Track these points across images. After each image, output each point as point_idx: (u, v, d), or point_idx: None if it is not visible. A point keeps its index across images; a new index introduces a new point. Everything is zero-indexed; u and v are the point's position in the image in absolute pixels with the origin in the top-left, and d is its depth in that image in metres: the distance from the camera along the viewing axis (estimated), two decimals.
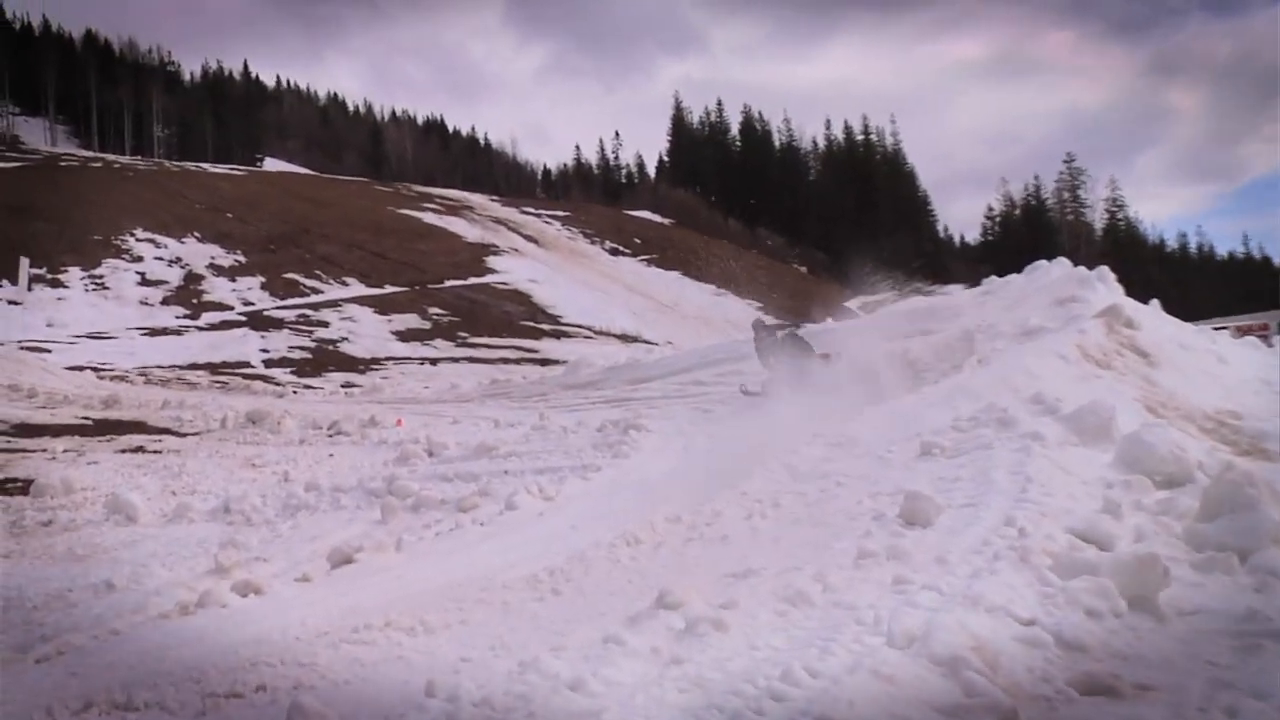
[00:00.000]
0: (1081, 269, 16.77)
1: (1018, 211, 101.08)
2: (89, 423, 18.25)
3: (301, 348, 36.58)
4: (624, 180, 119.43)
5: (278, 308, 43.40)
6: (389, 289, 48.68)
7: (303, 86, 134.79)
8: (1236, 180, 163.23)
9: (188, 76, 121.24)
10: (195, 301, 43.58)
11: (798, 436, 11.03)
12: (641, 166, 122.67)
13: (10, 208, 51.34)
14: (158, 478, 13.22)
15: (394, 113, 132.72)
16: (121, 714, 5.51)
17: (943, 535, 6.68)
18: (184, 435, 17.05)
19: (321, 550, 8.86)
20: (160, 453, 15.30)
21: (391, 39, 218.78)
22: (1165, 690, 4.49)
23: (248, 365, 32.69)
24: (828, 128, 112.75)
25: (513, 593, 7.01)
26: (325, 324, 41.00)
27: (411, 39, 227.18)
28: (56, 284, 42.90)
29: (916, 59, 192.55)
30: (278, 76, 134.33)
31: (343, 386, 28.60)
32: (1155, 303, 15.52)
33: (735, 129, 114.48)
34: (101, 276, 45.06)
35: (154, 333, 37.57)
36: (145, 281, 45.62)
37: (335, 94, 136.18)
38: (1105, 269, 16.26)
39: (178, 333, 38.08)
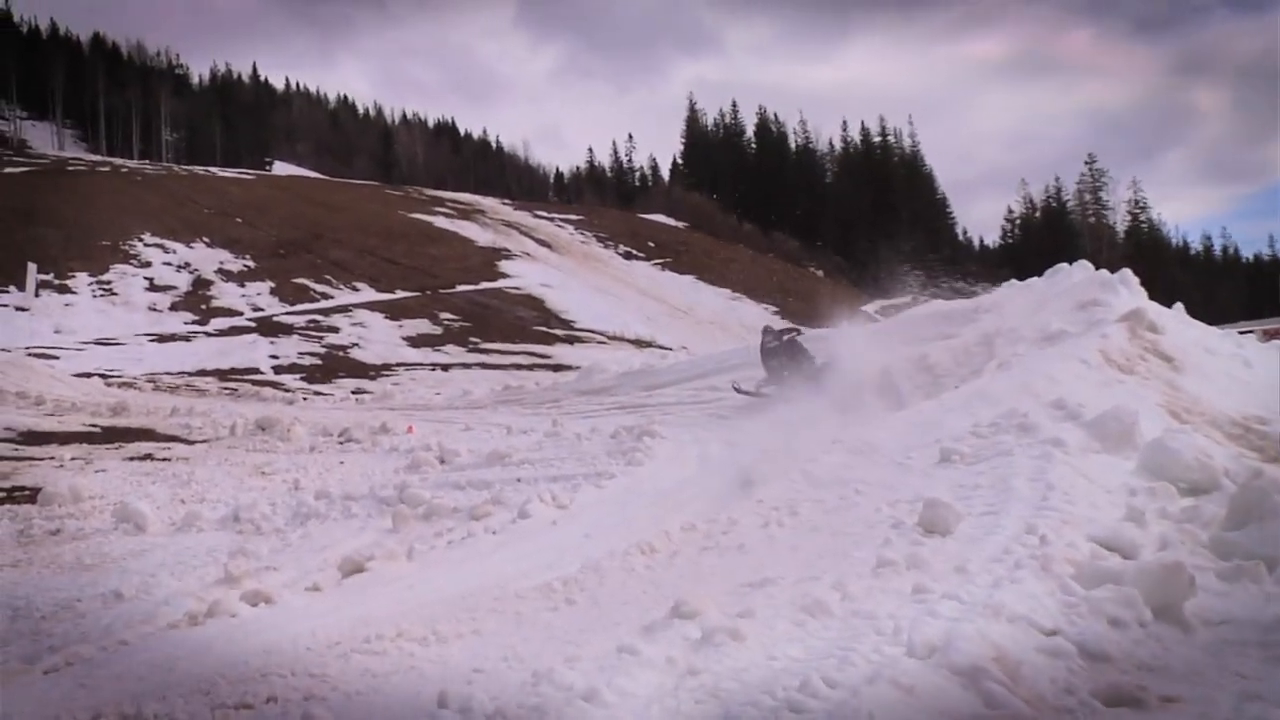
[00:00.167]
0: (1103, 272, 16.71)
1: (1038, 214, 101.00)
2: (97, 430, 18.31)
3: (311, 354, 36.61)
4: (638, 183, 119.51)
5: (287, 313, 43.47)
6: (400, 294, 48.70)
7: (312, 89, 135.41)
8: (1262, 181, 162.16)
9: (196, 79, 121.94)
10: (204, 307, 43.66)
11: (815, 443, 11.02)
12: (655, 169, 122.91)
13: (17, 213, 51.58)
14: (166, 486, 13.24)
15: (405, 115, 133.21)
16: None
17: (963, 543, 6.67)
18: (193, 443, 17.09)
19: (332, 559, 8.86)
20: (169, 460, 15.34)
21: (402, 40, 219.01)
22: (1192, 702, 4.48)
23: (257, 372, 32.73)
24: (844, 129, 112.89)
25: (526, 602, 7.01)
26: (335, 330, 41.04)
27: (422, 40, 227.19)
28: (64, 290, 43.02)
29: (935, 59, 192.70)
30: (287, 79, 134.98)
31: (353, 393, 28.60)
32: (1179, 306, 15.47)
33: (750, 131, 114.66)
34: (109, 282, 45.18)
35: (162, 339, 37.66)
36: (154, 287, 45.72)
37: (345, 96, 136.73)
38: (1128, 272, 16.21)
39: (186, 339, 38.16)
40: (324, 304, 45.88)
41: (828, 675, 4.53)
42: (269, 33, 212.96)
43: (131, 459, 15.48)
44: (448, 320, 44.46)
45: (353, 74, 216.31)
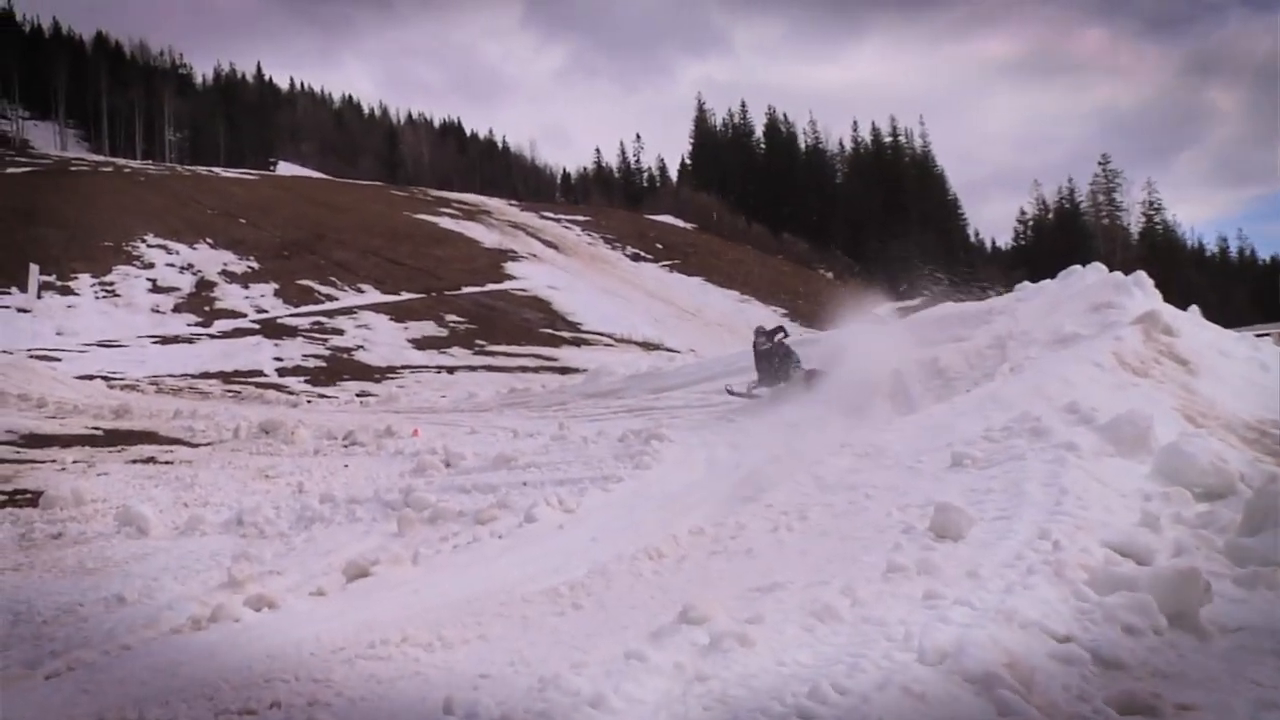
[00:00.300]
0: (1117, 274, 16.71)
1: (1051, 215, 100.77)
2: (99, 433, 18.34)
3: (316, 356, 36.65)
4: (645, 184, 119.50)
5: (292, 315, 43.54)
6: (405, 296, 48.76)
7: (317, 89, 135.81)
8: (1278, 182, 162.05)
9: (200, 79, 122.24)
10: (207, 309, 43.75)
11: (824, 446, 11.02)
12: (663, 170, 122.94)
13: (20, 213, 51.76)
14: (169, 489, 13.25)
15: (410, 115, 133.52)
16: None
17: (974, 548, 6.66)
18: (196, 446, 17.11)
19: (337, 563, 8.87)
20: (172, 464, 15.36)
21: (407, 40, 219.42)
22: (1208, 710, 4.47)
23: (261, 374, 32.78)
24: (854, 129, 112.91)
25: (532, 607, 7.01)
26: (340, 332, 41.09)
27: (427, 40, 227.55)
28: (66, 291, 43.12)
29: (946, 58, 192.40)
30: (291, 79, 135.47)
31: (358, 396, 28.66)
32: (1194, 309, 15.47)
33: (759, 131, 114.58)
34: (112, 284, 45.29)
35: (165, 341, 37.73)
36: (157, 288, 45.83)
37: (350, 96, 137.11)
38: (1142, 274, 16.20)
39: (190, 341, 38.22)
40: (328, 306, 45.96)
41: (837, 682, 4.53)
42: (273, 32, 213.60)
43: (134, 462, 15.50)
44: (453, 322, 44.51)
45: (357, 74, 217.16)
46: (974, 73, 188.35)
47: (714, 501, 10.38)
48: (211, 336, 39.20)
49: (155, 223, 55.86)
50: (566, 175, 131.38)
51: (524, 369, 35.98)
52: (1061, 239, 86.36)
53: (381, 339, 40.53)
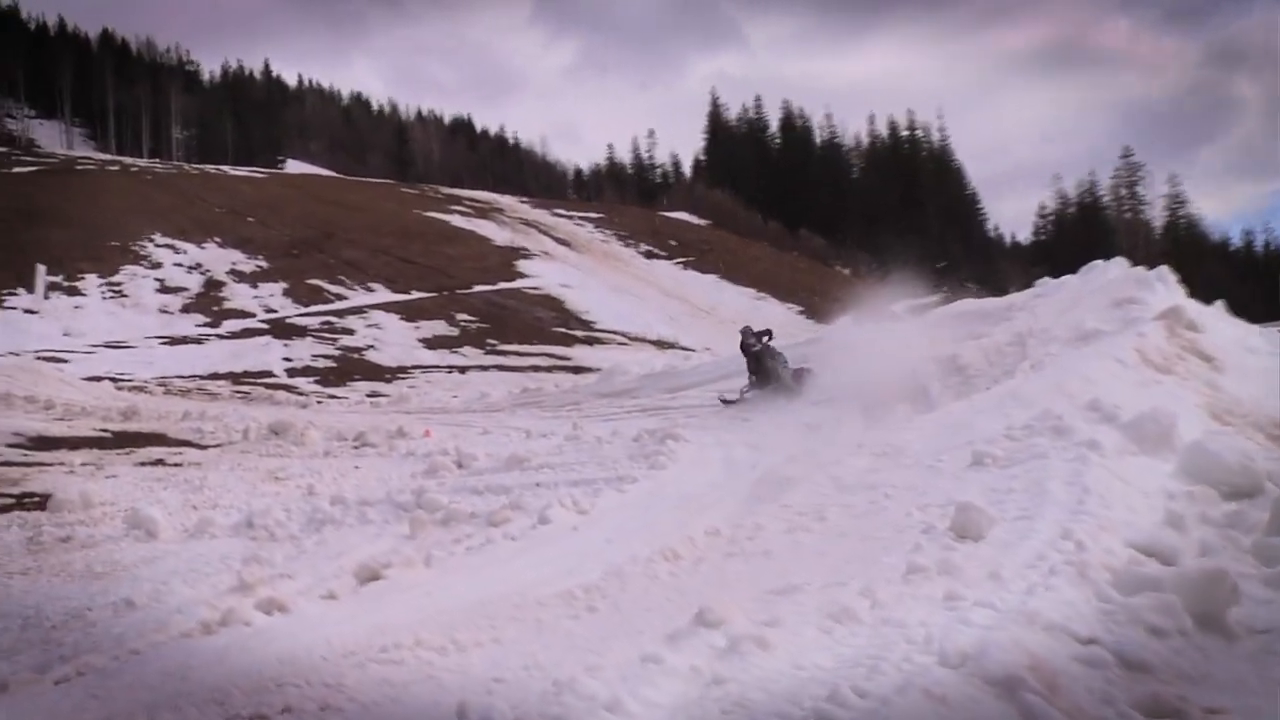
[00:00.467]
0: (1140, 269, 16.70)
1: (1072, 209, 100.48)
2: (107, 435, 18.40)
3: (326, 356, 36.72)
4: (659, 180, 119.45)
5: (301, 315, 43.63)
6: (416, 295, 48.82)
7: (325, 86, 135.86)
8: None
9: (207, 76, 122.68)
10: (216, 309, 43.87)
11: (843, 446, 11.00)
12: (677, 166, 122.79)
13: (26, 213, 51.95)
14: (178, 491, 13.29)
15: (420, 112, 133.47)
16: None
17: (996, 549, 6.65)
18: (205, 448, 17.16)
19: (348, 566, 8.88)
20: (181, 466, 15.40)
21: (416, 36, 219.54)
22: (1237, 714, 4.45)
23: (270, 375, 32.85)
24: (871, 124, 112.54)
25: (547, 610, 7.02)
26: (350, 331, 41.17)
27: (437, 36, 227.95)
28: (73, 292, 43.27)
29: (964, 51, 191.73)
30: (299, 75, 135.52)
31: (368, 396, 28.70)
32: (1219, 304, 15.43)
33: (774, 126, 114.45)
34: (119, 284, 45.44)
35: (174, 341, 37.83)
36: (164, 288, 45.97)
37: (359, 93, 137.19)
38: (1165, 269, 16.18)
39: (198, 341, 38.32)
40: (338, 305, 46.05)
41: (857, 685, 4.52)
42: (281, 28, 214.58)
43: (143, 464, 15.55)
44: (465, 321, 44.56)
45: (366, 70, 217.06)
46: (993, 65, 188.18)
47: (731, 502, 10.37)
48: (220, 337, 39.30)
49: (163, 222, 56.02)
50: (579, 172, 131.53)
51: (537, 368, 36.00)
52: (1083, 234, 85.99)
53: (392, 339, 40.60)
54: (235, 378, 31.54)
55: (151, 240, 52.44)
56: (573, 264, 62.51)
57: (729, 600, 5.91)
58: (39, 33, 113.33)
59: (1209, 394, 11.39)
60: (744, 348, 18.61)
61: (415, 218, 69.66)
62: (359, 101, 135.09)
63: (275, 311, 44.05)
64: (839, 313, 26.97)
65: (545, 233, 72.04)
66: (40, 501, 12.44)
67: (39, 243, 47.08)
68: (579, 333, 45.23)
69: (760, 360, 18.23)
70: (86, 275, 45.42)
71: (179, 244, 52.78)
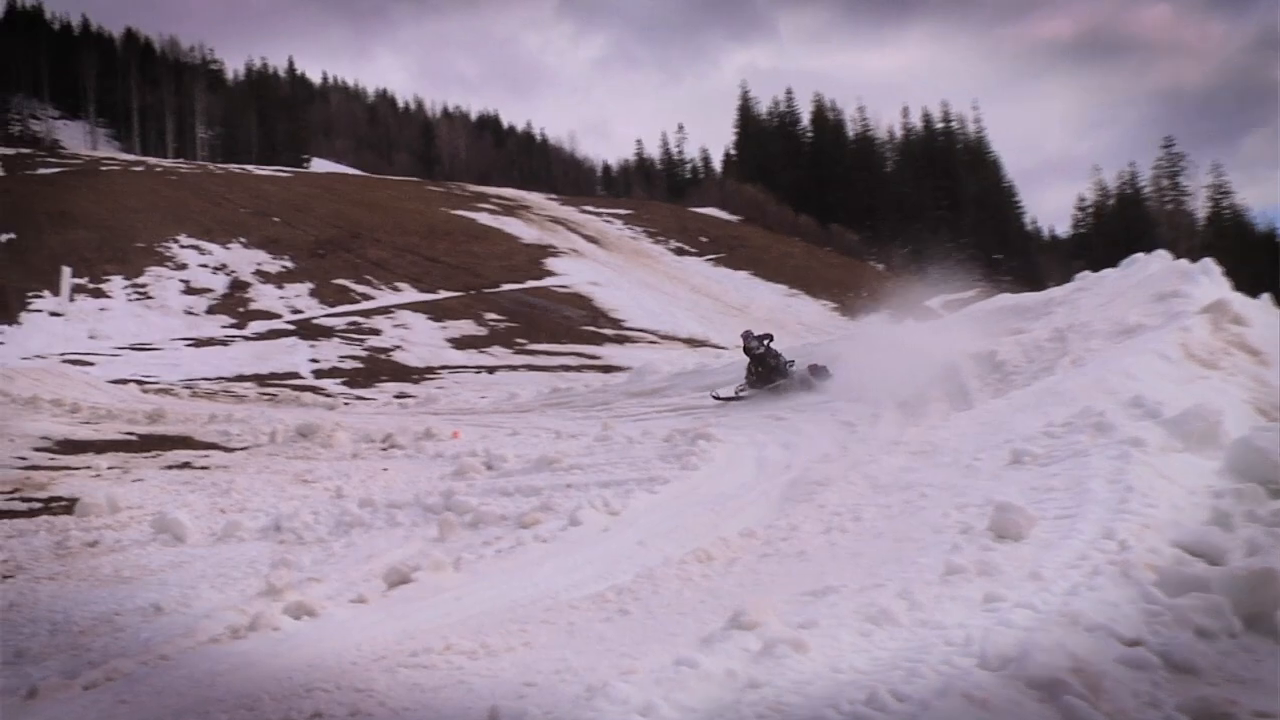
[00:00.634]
0: (1183, 262, 16.58)
1: (1112, 201, 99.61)
2: (134, 438, 18.55)
3: (353, 357, 36.92)
4: (689, 176, 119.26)
5: (327, 315, 43.90)
6: (443, 294, 49.00)
7: (350, 83, 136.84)
8: None
9: (231, 75, 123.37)
10: (242, 310, 44.19)
11: (878, 444, 10.96)
12: (707, 161, 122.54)
13: (51, 215, 52.45)
14: (205, 495, 13.37)
15: (446, 109, 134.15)
16: None
17: (1036, 549, 6.60)
18: (232, 450, 17.27)
19: (377, 570, 8.91)
20: (208, 469, 15.50)
21: (442, 32, 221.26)
22: None
23: (297, 376, 33.07)
24: (905, 116, 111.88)
25: (578, 613, 7.02)
26: (377, 332, 41.39)
27: (462, 32, 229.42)
28: (98, 294, 43.67)
29: (999, 40, 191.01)
30: (324, 73, 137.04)
31: (396, 397, 28.82)
32: (1265, 297, 15.27)
33: (806, 119, 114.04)
34: (145, 285, 45.81)
35: (199, 343, 38.13)
36: (190, 290, 46.33)
37: (384, 90, 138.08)
38: (1209, 261, 16.06)
39: (224, 343, 38.62)
40: (365, 305, 46.29)
41: (896, 688, 4.50)
42: (305, 25, 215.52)
43: (169, 468, 15.66)
44: (493, 321, 44.70)
45: (391, 67, 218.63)
46: (1029, 54, 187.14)
47: (764, 503, 10.35)
48: (246, 338, 39.59)
49: (188, 222, 56.47)
50: (607, 168, 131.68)
51: (566, 368, 36.08)
52: (1123, 226, 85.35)
53: (419, 339, 40.78)
54: (261, 379, 31.77)
55: (176, 241, 52.83)
56: (602, 261, 62.58)
57: (764, 602, 5.88)
58: (63, 33, 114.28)
59: (1256, 389, 11.28)
60: (747, 351, 19.53)
61: (442, 216, 69.91)
62: (384, 98, 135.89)
63: (301, 312, 44.31)
64: (873, 309, 26.96)
65: (574, 230, 72.15)
66: (67, 506, 12.56)
67: (64, 245, 47.56)
68: (608, 331, 45.29)
69: (763, 362, 19.13)
70: (111, 277, 45.83)
71: (204, 245, 53.15)
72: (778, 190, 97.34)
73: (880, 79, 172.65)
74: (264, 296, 46.55)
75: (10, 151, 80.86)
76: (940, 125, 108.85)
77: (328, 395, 28.76)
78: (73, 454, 16.71)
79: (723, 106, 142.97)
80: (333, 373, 34.06)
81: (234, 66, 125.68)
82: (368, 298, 47.72)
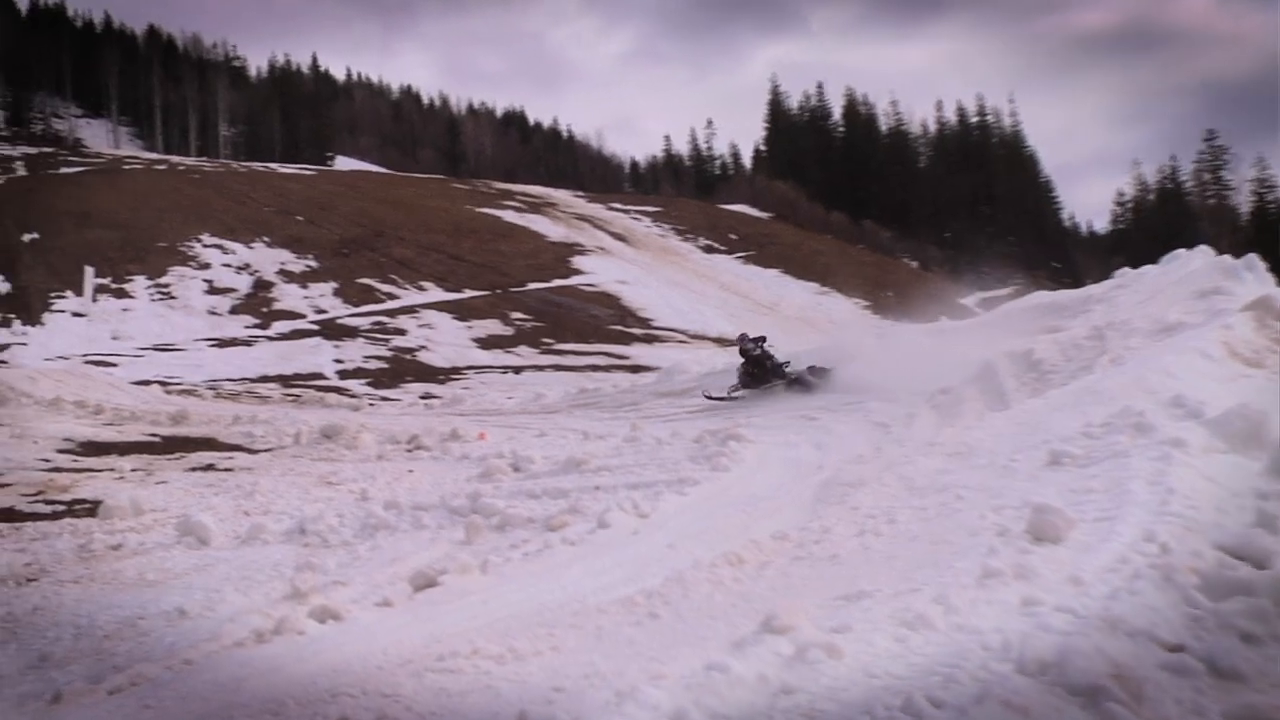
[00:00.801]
0: (1226, 258, 16.45)
1: (1152, 196, 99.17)
2: (157, 440, 18.67)
3: (377, 357, 37.06)
4: (718, 172, 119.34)
5: (352, 315, 44.07)
6: (468, 293, 49.12)
7: (374, 79, 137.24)
8: None
9: (254, 72, 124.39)
10: (265, 310, 44.42)
11: (913, 445, 10.92)
12: (736, 157, 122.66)
13: (73, 214, 52.88)
14: (230, 497, 13.43)
15: (471, 105, 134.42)
16: None
17: (1075, 552, 6.56)
18: (256, 452, 17.35)
19: (403, 573, 8.92)
20: (232, 471, 15.57)
21: (467, 27, 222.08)
22: None
23: (321, 377, 33.22)
24: (939, 110, 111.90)
25: (607, 617, 7.02)
26: (402, 332, 41.52)
27: (488, 27, 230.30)
28: (121, 294, 43.99)
29: (1036, 32, 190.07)
30: (348, 69, 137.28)
31: (421, 398, 28.91)
32: None
33: (837, 114, 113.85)
34: (168, 285, 46.12)
35: (223, 344, 38.35)
36: (213, 290, 46.61)
37: (409, 87, 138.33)
38: (1254, 257, 15.94)
39: (247, 343, 38.82)
40: (389, 305, 46.45)
41: (932, 694, 4.48)
42: (328, 21, 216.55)
43: (193, 470, 15.74)
44: (519, 320, 44.77)
45: (416, 63, 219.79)
46: (1067, 46, 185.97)
47: (796, 505, 10.32)
48: (270, 339, 39.80)
49: (211, 221, 56.80)
50: (635, 165, 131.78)
51: (594, 368, 36.12)
52: (1163, 221, 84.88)
53: (445, 339, 40.89)
54: (285, 380, 31.92)
55: (199, 240, 53.15)
56: (629, 259, 62.58)
57: (796, 606, 5.87)
58: (85, 30, 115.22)
59: None
60: (743, 353, 20.30)
61: (467, 214, 70.07)
62: (409, 95, 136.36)
63: (325, 312, 44.50)
64: (906, 307, 26.94)
65: (601, 228, 72.20)
66: (91, 508, 12.63)
67: (86, 244, 47.95)
68: (637, 330, 45.30)
69: (759, 363, 19.85)
70: (134, 277, 46.16)
71: (227, 244, 53.45)
72: (808, 186, 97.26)
73: (913, 72, 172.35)
74: (288, 296, 46.77)
75: (33, 150, 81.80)
76: (975, 119, 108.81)
77: (352, 396, 28.87)
78: (96, 456, 16.82)
79: (752, 101, 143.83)
80: (357, 373, 34.19)
81: (257, 63, 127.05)
82: (392, 297, 47.88)
